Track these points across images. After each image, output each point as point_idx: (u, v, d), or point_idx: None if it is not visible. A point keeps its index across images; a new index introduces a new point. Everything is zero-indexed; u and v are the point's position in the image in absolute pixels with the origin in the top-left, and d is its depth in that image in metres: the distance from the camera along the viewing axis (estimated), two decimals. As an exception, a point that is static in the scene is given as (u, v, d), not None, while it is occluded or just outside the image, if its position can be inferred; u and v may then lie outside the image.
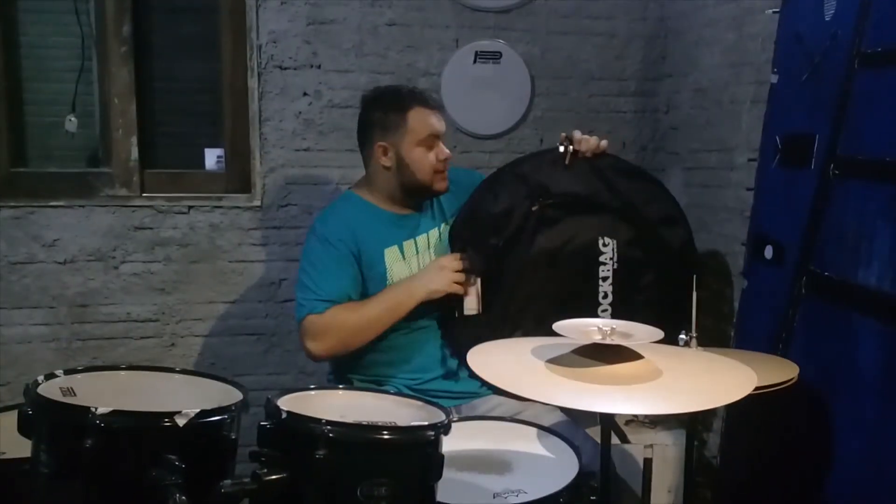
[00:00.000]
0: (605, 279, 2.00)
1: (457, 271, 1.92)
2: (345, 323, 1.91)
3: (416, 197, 2.03)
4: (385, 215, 2.03)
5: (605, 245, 2.01)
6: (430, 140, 1.98)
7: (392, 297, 1.93)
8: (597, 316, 1.99)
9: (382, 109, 2.01)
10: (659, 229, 2.05)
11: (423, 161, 1.98)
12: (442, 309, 1.97)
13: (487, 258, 1.94)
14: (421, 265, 2.00)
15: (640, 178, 2.10)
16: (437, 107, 2.03)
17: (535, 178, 1.98)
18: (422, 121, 1.97)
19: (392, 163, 1.99)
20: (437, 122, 2.00)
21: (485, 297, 1.94)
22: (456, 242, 1.96)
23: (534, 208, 1.97)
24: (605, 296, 2.00)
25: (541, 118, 2.75)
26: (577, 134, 1.99)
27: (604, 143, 2.01)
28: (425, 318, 2.01)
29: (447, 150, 2.01)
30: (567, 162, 1.98)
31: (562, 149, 1.98)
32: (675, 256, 2.06)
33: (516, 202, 1.97)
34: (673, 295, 2.04)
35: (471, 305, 1.93)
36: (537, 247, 1.99)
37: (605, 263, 2.00)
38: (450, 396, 1.97)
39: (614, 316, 1.98)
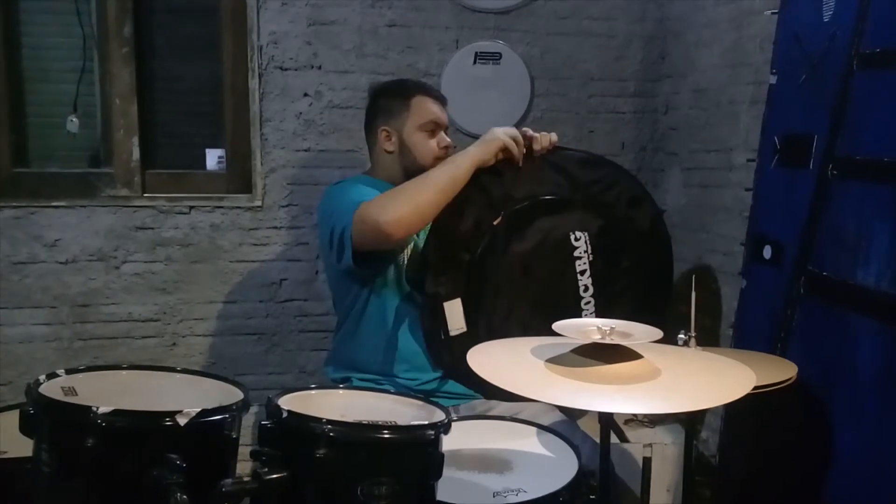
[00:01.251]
0: (582, 273, 1.99)
1: (513, 132, 1.91)
2: (404, 186, 1.87)
3: None
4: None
5: (577, 239, 1.98)
6: (431, 126, 2.03)
7: (447, 160, 1.93)
8: (580, 311, 1.99)
9: (387, 96, 2.08)
10: (627, 212, 2.05)
11: (424, 146, 2.02)
12: (426, 333, 1.94)
13: (464, 275, 1.92)
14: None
15: (597, 164, 2.08)
16: (441, 98, 2.08)
17: (496, 187, 1.96)
18: (423, 107, 2.03)
19: (395, 147, 2.04)
20: (438, 111, 2.05)
21: (468, 314, 1.92)
22: (428, 266, 1.91)
23: (500, 218, 1.94)
24: (586, 289, 1.99)
25: (540, 119, 2.75)
26: (529, 132, 1.98)
27: (554, 136, 2.00)
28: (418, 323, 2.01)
29: (448, 139, 2.05)
30: (520, 164, 1.95)
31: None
32: (647, 236, 2.06)
33: (482, 214, 1.94)
34: (651, 276, 2.05)
35: (456, 325, 1.90)
36: (511, 254, 1.95)
37: (580, 257, 1.99)
38: (449, 397, 1.98)
39: (597, 307, 1.98)
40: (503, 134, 1.91)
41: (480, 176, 1.94)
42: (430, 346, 1.95)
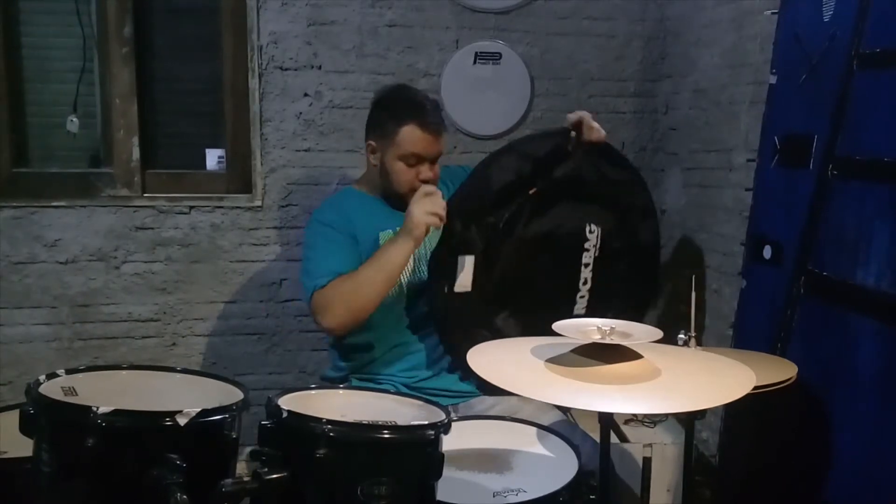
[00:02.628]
0: (586, 265, 2.02)
1: (427, 206, 1.86)
2: (344, 288, 1.88)
3: (397, 202, 2.04)
4: (380, 204, 2.07)
5: (591, 232, 2.02)
6: (413, 160, 1.97)
7: (379, 252, 1.92)
8: (574, 302, 2.01)
9: (383, 112, 2.04)
10: (637, 221, 2.09)
11: (401, 175, 1.99)
12: (433, 283, 1.96)
13: (486, 237, 1.94)
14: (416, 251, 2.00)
15: (625, 166, 2.13)
16: (436, 130, 1.99)
17: (539, 159, 1.97)
18: (410, 139, 1.96)
19: (377, 163, 2.04)
20: (426, 144, 1.97)
21: (476, 276, 1.93)
22: (452, 218, 1.90)
23: (534, 190, 1.97)
24: (585, 282, 2.03)
25: (540, 119, 2.75)
26: (587, 119, 1.97)
27: (604, 133, 2.01)
28: (423, 315, 2.02)
29: (430, 173, 1.99)
30: (570, 148, 1.98)
31: (571, 134, 1.98)
32: (645, 250, 2.11)
33: (519, 180, 1.95)
34: (639, 287, 2.10)
35: (463, 283, 1.91)
36: (532, 230, 1.99)
37: (588, 250, 2.02)
38: (448, 395, 1.98)
39: (590, 302, 2.02)
40: (424, 216, 1.85)
41: (527, 145, 1.99)
42: (433, 298, 1.96)
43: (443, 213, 1.86)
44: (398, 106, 2.01)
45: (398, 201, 2.03)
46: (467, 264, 1.91)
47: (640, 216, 2.09)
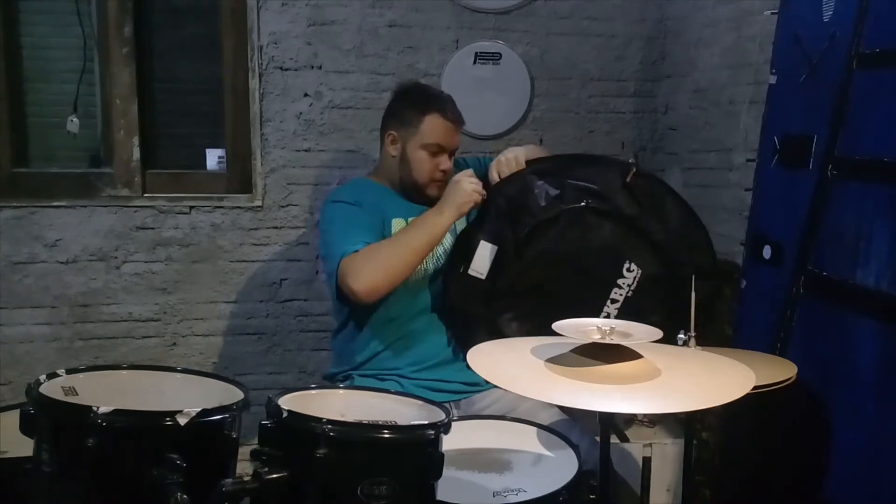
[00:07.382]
0: (614, 301, 1.99)
1: (473, 183, 1.91)
2: (381, 251, 1.87)
3: (412, 194, 2.06)
4: (392, 193, 2.08)
5: (629, 270, 1.99)
6: (435, 148, 2.02)
7: (422, 219, 1.92)
8: None
9: (405, 102, 2.08)
10: (687, 278, 2.01)
11: (423, 164, 2.02)
12: (449, 260, 1.99)
13: (514, 231, 1.95)
14: None
15: (694, 224, 2.06)
16: (457, 121, 2.06)
17: (594, 185, 1.97)
18: (434, 128, 2.01)
19: (397, 154, 2.05)
20: (448, 135, 2.03)
21: (494, 267, 1.94)
22: (489, 204, 1.94)
23: (580, 204, 1.97)
24: (608, 316, 1.98)
25: (540, 119, 2.76)
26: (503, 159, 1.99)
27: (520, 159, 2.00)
28: (426, 307, 2.03)
29: (449, 164, 2.04)
30: (628, 180, 1.97)
31: (632, 162, 2.00)
32: (686, 305, 2.02)
33: (568, 197, 1.97)
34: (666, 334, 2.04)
35: (478, 268, 1.93)
36: (566, 242, 1.97)
37: (621, 287, 1.98)
38: (450, 391, 1.98)
39: None
40: (473, 192, 1.89)
41: (585, 170, 2.00)
42: (446, 276, 1.99)
43: (483, 193, 1.91)
44: (421, 97, 2.08)
45: (411, 192, 2.05)
46: (487, 251, 1.94)
47: (693, 276, 2.03)
